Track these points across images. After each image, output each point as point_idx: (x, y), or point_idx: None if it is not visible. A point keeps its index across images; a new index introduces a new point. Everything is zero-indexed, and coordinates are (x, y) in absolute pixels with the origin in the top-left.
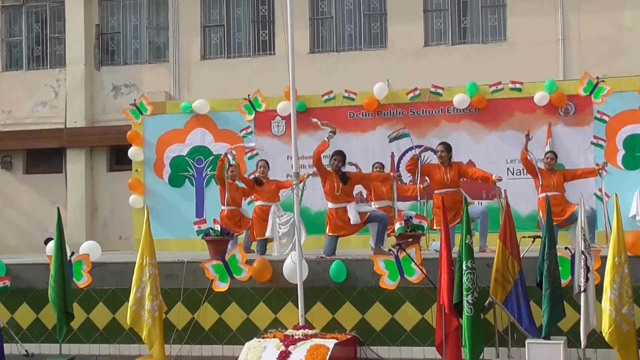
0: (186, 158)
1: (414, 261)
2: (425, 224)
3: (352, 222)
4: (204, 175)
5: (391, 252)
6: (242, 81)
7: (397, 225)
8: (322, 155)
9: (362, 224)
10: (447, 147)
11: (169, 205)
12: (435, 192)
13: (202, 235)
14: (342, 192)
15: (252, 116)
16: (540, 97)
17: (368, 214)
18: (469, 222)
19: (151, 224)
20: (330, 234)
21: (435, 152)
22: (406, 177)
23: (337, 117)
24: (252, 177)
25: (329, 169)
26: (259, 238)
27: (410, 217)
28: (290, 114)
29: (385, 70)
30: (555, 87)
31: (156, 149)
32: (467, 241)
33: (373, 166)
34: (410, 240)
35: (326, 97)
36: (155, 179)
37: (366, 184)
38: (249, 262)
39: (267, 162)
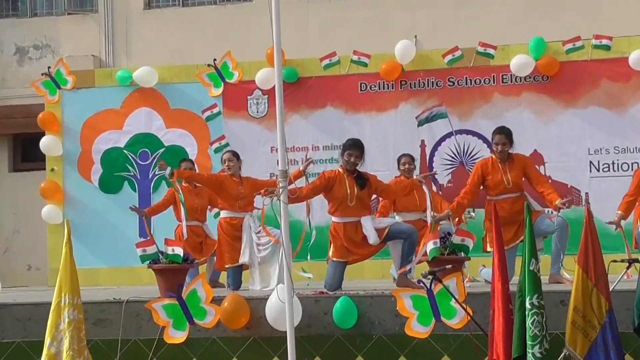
0: (125, 151)
1: (454, 297)
2: (470, 243)
3: (370, 242)
4: (150, 176)
5: (421, 283)
6: (204, 40)
7: (429, 246)
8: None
9: (381, 245)
10: (508, 136)
11: (101, 219)
12: (489, 198)
13: (148, 262)
14: (357, 202)
15: (220, 90)
16: (639, 57)
17: (387, 229)
18: (534, 239)
19: (74, 247)
20: (334, 259)
21: (487, 141)
22: (443, 177)
23: (343, 91)
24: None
25: (337, 168)
26: (229, 265)
27: (449, 234)
28: (274, 86)
29: (411, 23)
30: None
31: (81, 138)
32: (531, 267)
33: (399, 162)
34: (449, 267)
35: (327, 61)
36: (80, 182)
37: (388, 195)
38: (217, 301)
39: (235, 154)
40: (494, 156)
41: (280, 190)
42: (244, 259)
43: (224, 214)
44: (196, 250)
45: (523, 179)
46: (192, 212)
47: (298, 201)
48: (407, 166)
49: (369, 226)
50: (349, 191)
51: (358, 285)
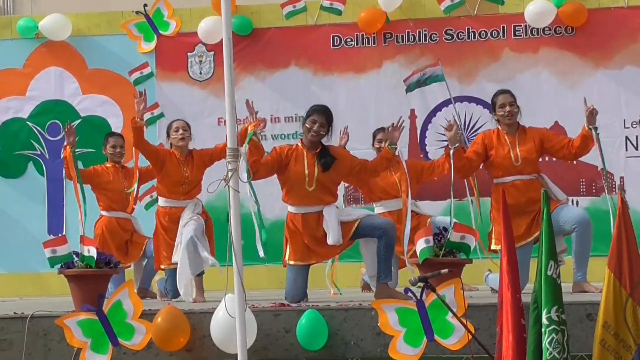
0: (28, 124)
1: (451, 310)
2: (472, 241)
3: (329, 242)
4: (62, 155)
5: (409, 293)
6: None
7: (420, 244)
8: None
9: (347, 243)
10: (515, 96)
11: None
12: (495, 181)
13: (59, 266)
14: (318, 186)
15: (152, 44)
16: None
17: (356, 223)
18: (553, 237)
19: None
20: (292, 262)
21: (489, 107)
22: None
23: (311, 46)
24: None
25: (295, 142)
26: (165, 266)
27: (444, 229)
28: (222, 40)
29: None
30: None
31: None
32: (549, 272)
33: (374, 138)
34: (444, 271)
35: (290, 8)
36: None
37: (367, 172)
38: (148, 316)
39: (187, 124)
40: (499, 127)
41: (230, 173)
42: (176, 257)
43: (162, 201)
44: (121, 250)
45: (540, 159)
46: (118, 200)
47: (253, 179)
48: (383, 144)
49: (332, 219)
50: (307, 171)
51: (329, 295)
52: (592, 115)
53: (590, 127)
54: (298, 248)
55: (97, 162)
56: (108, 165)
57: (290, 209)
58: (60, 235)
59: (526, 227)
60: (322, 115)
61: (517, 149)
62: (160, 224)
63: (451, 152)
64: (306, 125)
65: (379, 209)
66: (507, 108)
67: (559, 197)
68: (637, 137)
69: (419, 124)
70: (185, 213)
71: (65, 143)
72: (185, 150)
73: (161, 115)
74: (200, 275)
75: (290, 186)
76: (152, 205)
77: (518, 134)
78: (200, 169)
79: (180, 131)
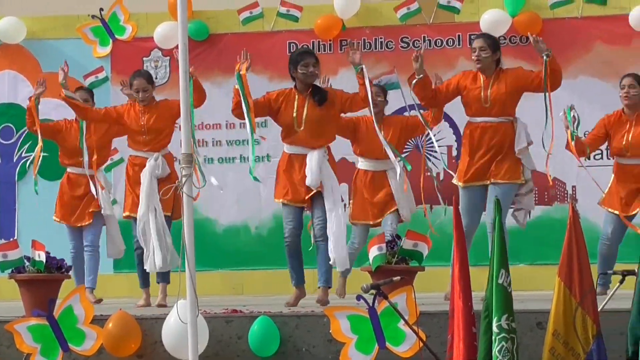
0: None
1: (403, 318)
2: (425, 249)
3: (307, 182)
4: (15, 158)
5: (361, 300)
6: None
7: (372, 251)
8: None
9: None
10: (491, 41)
11: None
12: (468, 119)
13: (9, 271)
14: (307, 127)
15: (108, 49)
16: None
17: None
18: (504, 245)
19: None
20: (281, 200)
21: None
22: None
23: (267, 52)
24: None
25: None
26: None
27: (397, 237)
28: (178, 45)
29: None
30: None
31: None
32: (500, 280)
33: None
34: (397, 279)
35: (246, 14)
36: None
37: (353, 108)
38: (99, 321)
39: (149, 78)
40: (476, 66)
41: (183, 179)
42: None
43: (134, 153)
44: (72, 212)
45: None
46: (74, 151)
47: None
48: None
49: (313, 164)
50: (295, 113)
51: (281, 301)
52: (537, 43)
53: (542, 54)
54: (281, 187)
55: (52, 166)
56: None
57: (284, 148)
58: (11, 239)
59: (483, 170)
60: (312, 56)
61: (489, 90)
62: (127, 173)
63: (414, 81)
64: (299, 71)
65: (361, 164)
66: (476, 52)
67: (519, 145)
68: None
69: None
70: (145, 173)
71: (34, 93)
72: (149, 100)
73: (106, 78)
74: (166, 280)
75: (283, 127)
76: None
77: (494, 76)
78: (164, 118)
79: (140, 93)
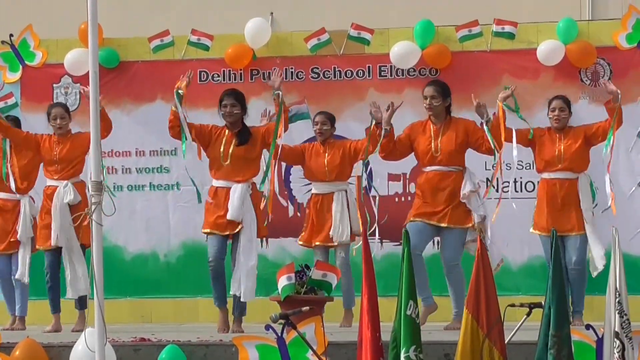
0: None
1: (311, 348)
2: (334, 279)
3: (229, 217)
4: None
5: (270, 329)
6: None
7: (282, 281)
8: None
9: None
10: (440, 88)
11: None
12: (422, 169)
13: None
14: (233, 161)
15: (18, 74)
16: (549, 49)
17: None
18: (412, 276)
19: None
20: (205, 230)
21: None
22: (301, 197)
23: (177, 81)
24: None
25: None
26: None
27: (307, 267)
28: (88, 72)
29: None
30: (576, 31)
31: None
32: (408, 312)
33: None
34: (306, 309)
35: (157, 42)
36: None
37: (268, 139)
38: (6, 348)
39: (66, 108)
40: (428, 114)
41: (93, 207)
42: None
43: (50, 183)
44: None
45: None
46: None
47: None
48: (318, 126)
49: (234, 197)
50: (222, 148)
51: (191, 329)
52: (478, 108)
53: (482, 121)
54: (208, 217)
55: None
56: None
57: (212, 181)
58: None
59: (432, 211)
60: (230, 97)
61: (439, 140)
62: (43, 205)
63: (383, 132)
64: (220, 111)
65: (312, 189)
66: (427, 100)
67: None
68: (497, 179)
69: (282, 169)
70: (55, 200)
71: None
72: (63, 134)
73: (15, 104)
74: (84, 307)
75: (211, 161)
76: None
77: (444, 125)
78: (75, 148)
79: (58, 120)
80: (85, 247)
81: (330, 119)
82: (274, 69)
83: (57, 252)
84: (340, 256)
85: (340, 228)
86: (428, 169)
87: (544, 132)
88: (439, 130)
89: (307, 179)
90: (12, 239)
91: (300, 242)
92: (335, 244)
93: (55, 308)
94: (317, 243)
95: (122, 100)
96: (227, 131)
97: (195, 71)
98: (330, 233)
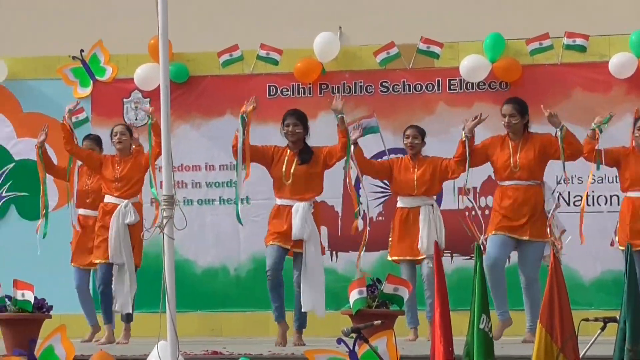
0: None
1: None
2: (406, 293)
3: (293, 236)
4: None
5: (342, 343)
6: (69, 25)
7: (353, 295)
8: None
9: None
10: (518, 106)
11: None
12: (499, 183)
13: None
14: (295, 180)
15: (88, 90)
16: (621, 61)
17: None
18: (485, 290)
19: None
20: (268, 242)
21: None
22: (372, 209)
23: (247, 95)
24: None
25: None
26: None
27: (378, 281)
28: (158, 86)
29: (335, 11)
30: None
31: None
32: (481, 326)
33: (404, 134)
34: (377, 323)
35: (226, 56)
36: None
37: (332, 159)
38: None
39: (128, 128)
40: (506, 131)
41: (165, 221)
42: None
43: (108, 199)
44: (89, 250)
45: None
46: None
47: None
48: (410, 140)
49: (297, 216)
50: (285, 167)
51: (261, 342)
52: (551, 118)
53: (557, 129)
54: (271, 230)
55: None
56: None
57: (276, 200)
58: None
59: (513, 225)
60: (292, 116)
61: (517, 156)
62: (99, 220)
63: (466, 140)
64: (283, 130)
65: (398, 202)
66: (506, 119)
67: (549, 206)
68: (569, 193)
69: (352, 174)
70: (114, 219)
71: (38, 141)
72: (124, 151)
73: (86, 119)
74: (130, 319)
75: (274, 181)
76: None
77: (522, 140)
78: (135, 168)
79: (117, 136)
80: (136, 268)
81: (421, 133)
82: (336, 96)
83: (109, 265)
84: (428, 267)
85: (427, 242)
86: (507, 183)
87: (628, 152)
88: (518, 146)
89: (395, 192)
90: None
91: (390, 258)
92: (423, 256)
93: (108, 319)
94: (403, 257)
95: (192, 115)
96: (289, 151)
97: (264, 86)
98: (419, 246)
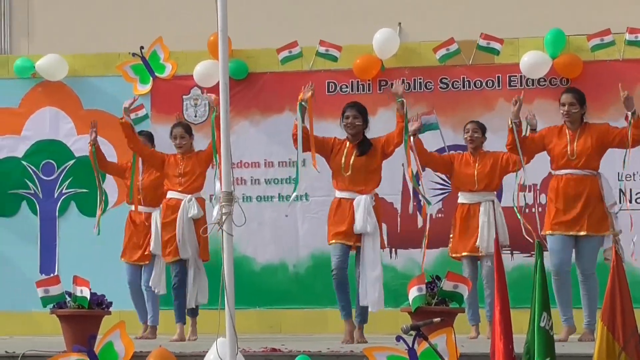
0: (23, 163)
1: (443, 359)
2: (465, 290)
3: (355, 230)
4: (56, 194)
5: (401, 340)
6: (129, 22)
7: (412, 292)
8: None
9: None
10: (577, 95)
11: None
12: (553, 172)
13: (51, 306)
14: (354, 172)
15: (148, 86)
16: None
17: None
18: (546, 288)
19: None
20: (331, 241)
21: None
22: (432, 205)
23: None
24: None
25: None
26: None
27: (437, 278)
28: (217, 83)
29: (395, 7)
30: None
31: None
32: (542, 324)
33: (464, 128)
34: (437, 320)
35: (285, 53)
36: None
37: (390, 147)
38: (139, 357)
39: (187, 128)
40: (564, 120)
41: (223, 217)
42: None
43: (170, 195)
44: (142, 250)
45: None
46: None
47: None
48: (469, 134)
49: (360, 209)
50: (344, 159)
51: (321, 339)
52: (627, 100)
53: (628, 112)
54: (333, 229)
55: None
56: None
57: (335, 193)
58: (53, 275)
59: (570, 220)
60: (353, 109)
61: (575, 144)
62: (164, 216)
63: (514, 126)
64: (342, 122)
65: (459, 198)
66: (565, 107)
67: (609, 201)
68: (631, 190)
69: (412, 172)
70: (186, 208)
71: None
72: (186, 152)
73: (146, 116)
74: (195, 314)
75: (333, 172)
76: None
77: (580, 130)
78: (198, 164)
79: (178, 140)
80: (204, 261)
81: (482, 128)
82: (396, 80)
83: (183, 262)
84: (487, 265)
85: (487, 239)
86: (562, 172)
87: None
88: (575, 135)
89: (455, 188)
90: (145, 252)
91: (451, 255)
92: (482, 254)
93: (181, 317)
94: (465, 253)
95: (251, 112)
96: (348, 143)
97: (323, 82)
98: (477, 243)
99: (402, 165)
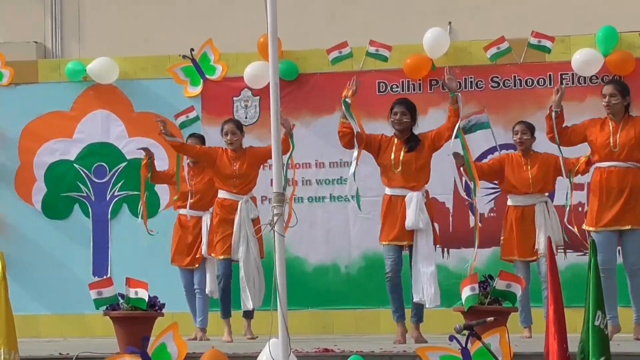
0: (75, 166)
1: (496, 359)
2: (518, 290)
3: (407, 226)
4: (108, 197)
5: (454, 340)
6: (179, 24)
7: (465, 292)
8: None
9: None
10: (620, 87)
11: (44, 252)
12: (595, 165)
13: (104, 308)
14: (404, 168)
15: (198, 88)
16: None
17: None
18: (600, 286)
19: (9, 287)
20: (383, 242)
21: None
22: (483, 205)
23: (356, 92)
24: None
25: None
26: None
27: (490, 277)
28: (268, 84)
29: (445, 6)
30: None
31: (19, 148)
32: (597, 322)
33: (513, 129)
34: (490, 319)
35: (335, 53)
36: (18, 204)
37: (440, 141)
38: (192, 359)
39: (236, 125)
40: (606, 112)
41: (275, 218)
42: (235, 255)
43: (223, 194)
44: (191, 254)
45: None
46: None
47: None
48: (518, 135)
49: (412, 205)
50: (393, 155)
51: (373, 340)
52: None
53: None
54: (386, 228)
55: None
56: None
57: (385, 190)
58: (105, 277)
59: (613, 214)
60: (401, 105)
61: (617, 135)
62: (217, 215)
63: (553, 114)
64: (390, 119)
65: (510, 201)
66: (606, 99)
67: None
68: None
69: (463, 171)
70: (244, 209)
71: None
72: (237, 148)
73: (196, 118)
74: (250, 317)
75: (382, 169)
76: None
77: (623, 122)
78: (252, 165)
79: (229, 136)
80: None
81: (530, 128)
82: (447, 67)
83: (230, 260)
84: (546, 265)
85: (544, 240)
86: (605, 164)
87: None
88: (618, 127)
89: (507, 191)
90: (197, 255)
91: (503, 258)
92: (541, 255)
93: (226, 314)
94: (517, 258)
95: (301, 113)
96: (396, 140)
97: (373, 82)
98: (536, 246)
99: (449, 155)
